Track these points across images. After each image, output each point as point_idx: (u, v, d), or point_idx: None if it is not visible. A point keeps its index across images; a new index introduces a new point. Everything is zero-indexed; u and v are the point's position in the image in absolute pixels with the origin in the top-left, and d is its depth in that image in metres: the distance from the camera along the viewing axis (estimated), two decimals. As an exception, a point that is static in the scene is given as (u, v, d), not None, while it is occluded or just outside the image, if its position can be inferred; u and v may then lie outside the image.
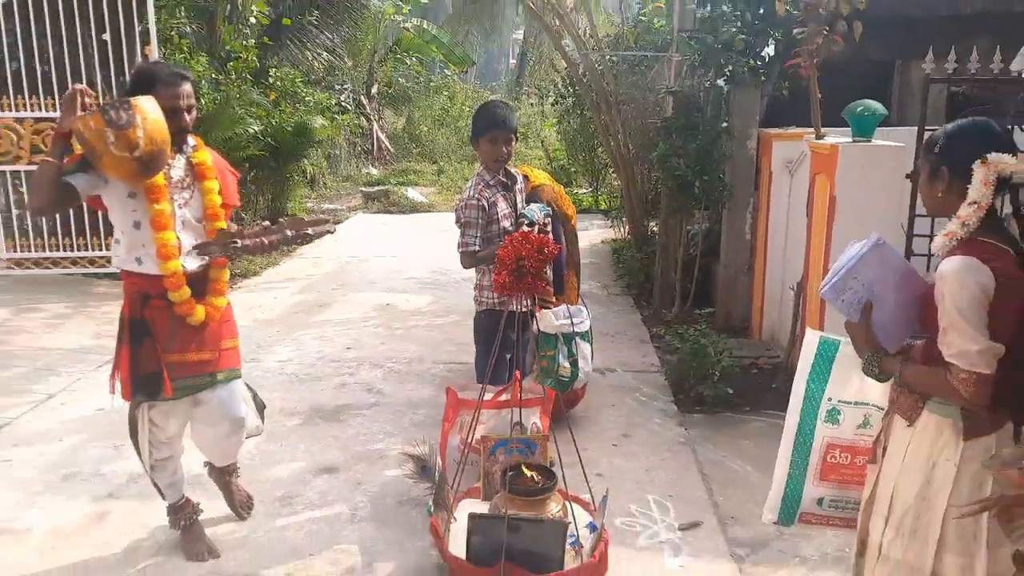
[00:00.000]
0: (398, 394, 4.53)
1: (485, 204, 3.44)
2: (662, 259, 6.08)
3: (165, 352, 2.70)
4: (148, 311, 2.70)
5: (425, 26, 15.73)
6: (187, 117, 2.70)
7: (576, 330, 3.86)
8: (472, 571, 2.58)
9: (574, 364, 3.88)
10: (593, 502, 2.90)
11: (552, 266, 3.79)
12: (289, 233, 2.80)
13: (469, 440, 2.96)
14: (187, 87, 2.69)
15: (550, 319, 3.81)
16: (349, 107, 13.10)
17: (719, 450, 3.83)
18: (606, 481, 3.38)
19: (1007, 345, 1.72)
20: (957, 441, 1.81)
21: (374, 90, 14.87)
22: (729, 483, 3.52)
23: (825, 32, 3.96)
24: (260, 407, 3.20)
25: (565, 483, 2.80)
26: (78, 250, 6.57)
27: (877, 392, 2.16)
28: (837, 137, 4.09)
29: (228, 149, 6.53)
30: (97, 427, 3.97)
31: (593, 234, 9.07)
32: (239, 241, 2.71)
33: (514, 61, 22.76)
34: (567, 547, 2.60)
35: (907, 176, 3.63)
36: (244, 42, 8.47)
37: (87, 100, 2.54)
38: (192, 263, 2.74)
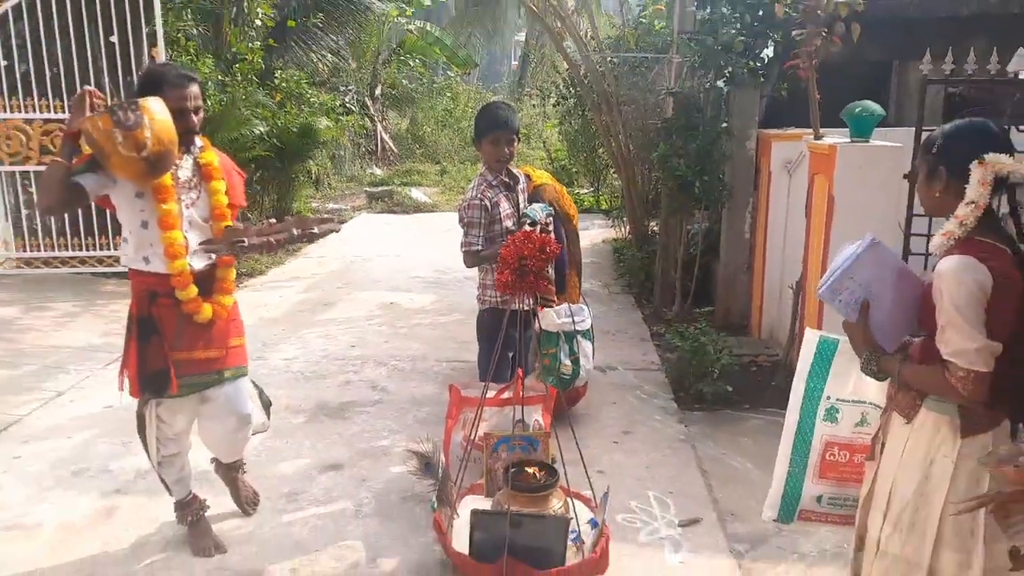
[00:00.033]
0: (402, 392, 4.56)
1: (488, 204, 3.46)
2: (662, 258, 6.11)
3: (173, 350, 2.72)
4: (156, 309, 2.72)
5: (428, 28, 15.77)
6: (194, 118, 2.72)
7: (577, 328, 3.88)
8: (475, 566, 2.60)
9: (575, 362, 3.90)
10: (594, 498, 2.91)
11: (554, 265, 3.81)
12: (295, 231, 2.79)
13: (472, 437, 2.98)
14: (194, 88, 2.71)
15: (552, 317, 3.83)
16: (353, 108, 13.14)
17: (719, 447, 3.86)
18: (607, 478, 3.40)
19: (1004, 343, 1.73)
20: (955, 438, 1.82)
21: (378, 91, 14.91)
22: (728, 480, 3.55)
23: (823, 34, 3.99)
24: (266, 404, 3.22)
25: (567, 480, 2.82)
26: (86, 249, 6.62)
27: (874, 390, 2.18)
28: (835, 137, 4.11)
29: (234, 150, 6.56)
30: (106, 424, 4.01)
31: (594, 233, 9.09)
32: (246, 240, 2.72)
33: (516, 63, 22.75)
34: (568, 543, 2.62)
35: (905, 176, 3.64)
36: (250, 44, 8.51)
37: (95, 101, 2.55)
38: (199, 262, 2.76)
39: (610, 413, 4.26)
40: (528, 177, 3.92)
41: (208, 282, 2.81)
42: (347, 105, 12.67)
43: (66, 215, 6.26)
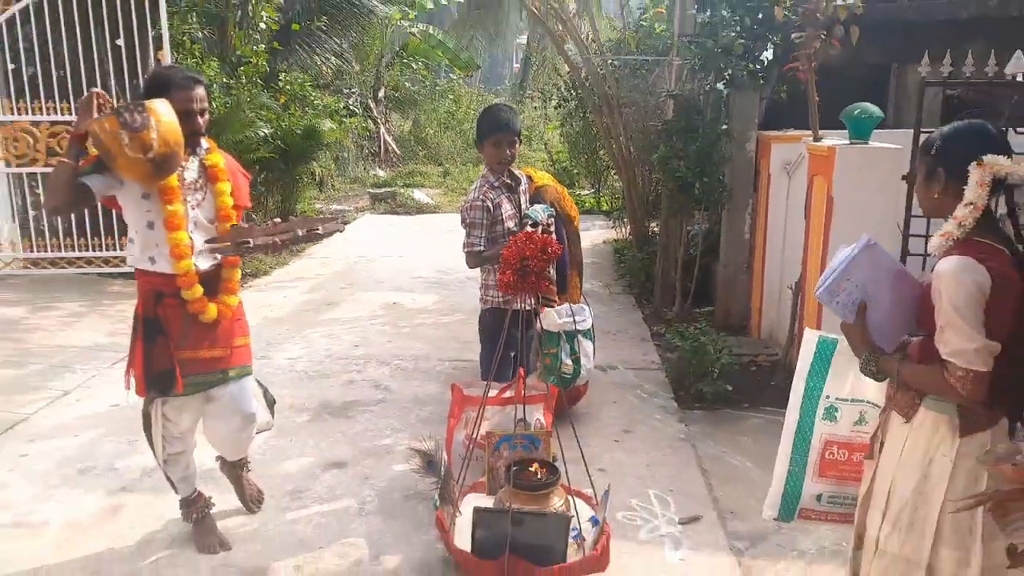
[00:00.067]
0: (405, 391, 4.59)
1: (490, 205, 3.48)
2: (663, 259, 6.13)
3: (178, 349, 2.75)
4: (161, 309, 2.74)
5: (431, 31, 15.79)
6: (200, 120, 2.74)
7: (578, 328, 3.91)
8: (477, 564, 2.61)
9: (576, 361, 3.92)
10: (595, 496, 2.92)
11: (555, 266, 3.83)
12: (300, 232, 2.81)
13: (474, 436, 2.98)
14: (200, 91, 2.73)
15: (553, 317, 3.85)
16: (357, 110, 13.17)
17: (718, 446, 3.87)
18: (608, 476, 3.41)
19: (1003, 343, 1.75)
20: (953, 437, 1.83)
21: (381, 94, 14.93)
22: (728, 478, 3.56)
23: (823, 36, 4.01)
24: (270, 403, 3.25)
25: (568, 478, 2.83)
26: (93, 250, 6.66)
27: (872, 389, 2.20)
28: (834, 139, 4.12)
29: (239, 151, 6.60)
30: (112, 423, 4.03)
31: (595, 234, 9.11)
32: (251, 240, 2.74)
33: (518, 65, 22.76)
34: (570, 540, 2.63)
35: (903, 177, 3.68)
36: (254, 47, 8.54)
37: (102, 103, 2.57)
38: (204, 262, 2.78)
39: (611, 412, 4.28)
40: (530, 178, 3.94)
41: (213, 282, 2.83)
42: (351, 107, 12.70)
43: (72, 216, 6.31)
